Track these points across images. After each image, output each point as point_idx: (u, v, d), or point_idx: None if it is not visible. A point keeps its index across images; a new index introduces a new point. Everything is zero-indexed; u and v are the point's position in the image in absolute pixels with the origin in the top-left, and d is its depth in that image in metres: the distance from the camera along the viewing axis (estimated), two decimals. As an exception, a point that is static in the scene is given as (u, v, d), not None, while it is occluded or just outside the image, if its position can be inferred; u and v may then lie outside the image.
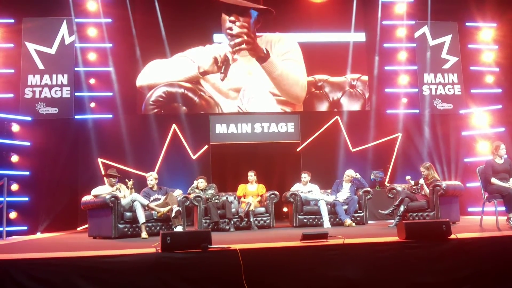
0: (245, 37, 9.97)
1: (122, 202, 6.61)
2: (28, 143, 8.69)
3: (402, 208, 6.89)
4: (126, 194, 6.89)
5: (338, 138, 10.14)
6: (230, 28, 10.00)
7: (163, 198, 6.97)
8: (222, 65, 9.89)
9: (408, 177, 7.47)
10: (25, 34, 9.35)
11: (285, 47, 10.26)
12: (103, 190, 6.86)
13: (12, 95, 9.13)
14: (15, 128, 8.64)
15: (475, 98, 10.12)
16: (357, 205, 7.71)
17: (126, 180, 6.99)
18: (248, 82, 10.07)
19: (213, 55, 9.93)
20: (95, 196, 6.81)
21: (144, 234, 6.34)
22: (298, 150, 10.09)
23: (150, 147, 9.63)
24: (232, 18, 10.00)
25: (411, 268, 4.09)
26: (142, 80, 9.88)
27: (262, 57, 10.08)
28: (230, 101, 10.03)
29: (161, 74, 9.94)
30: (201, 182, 7.80)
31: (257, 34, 10.20)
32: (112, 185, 6.98)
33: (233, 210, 7.53)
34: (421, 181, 7.31)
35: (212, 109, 10.01)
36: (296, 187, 8.07)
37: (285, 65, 10.16)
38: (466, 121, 10.06)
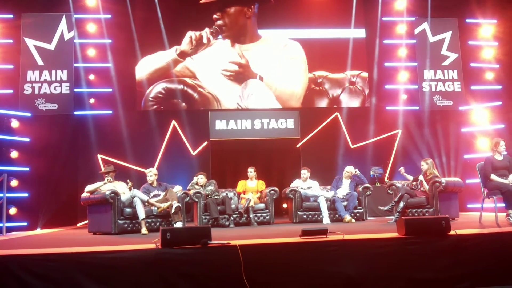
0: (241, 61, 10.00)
1: (122, 198, 6.62)
2: (28, 139, 8.67)
3: (401, 204, 6.90)
4: (125, 190, 6.90)
5: (338, 135, 10.15)
6: (218, 24, 10.02)
7: (162, 194, 6.98)
8: (196, 43, 9.86)
9: (401, 169, 7.46)
10: (24, 29, 9.31)
11: (291, 53, 10.23)
12: (95, 185, 6.88)
13: (11, 91, 9.10)
14: (15, 124, 8.61)
15: (475, 95, 10.11)
16: (357, 201, 7.73)
17: (127, 182, 6.98)
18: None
19: (189, 35, 9.92)
20: (89, 192, 6.82)
21: (144, 230, 6.35)
22: (297, 146, 10.09)
23: (149, 143, 9.63)
24: (217, 16, 9.97)
25: (410, 264, 4.09)
26: (138, 73, 9.87)
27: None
28: (229, 96, 10.00)
29: (150, 64, 9.90)
30: (200, 178, 7.80)
31: (259, 31, 10.18)
32: (109, 181, 6.98)
33: (232, 206, 7.54)
34: (421, 177, 7.31)
35: (211, 105, 10.00)
36: (296, 183, 8.08)
37: (280, 81, 10.10)
38: (466, 117, 10.05)
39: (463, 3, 10.18)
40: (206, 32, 9.91)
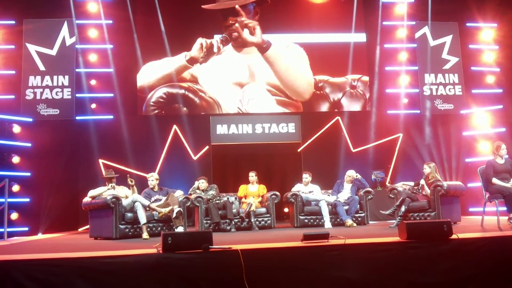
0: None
1: (123, 203, 6.61)
2: (29, 144, 8.69)
3: (403, 208, 6.88)
4: (128, 194, 6.91)
5: (339, 139, 10.14)
6: (231, 31, 10.05)
7: (164, 198, 6.98)
8: (206, 51, 9.89)
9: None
10: (26, 35, 9.35)
11: (294, 53, 10.25)
12: (98, 191, 6.89)
13: (13, 96, 9.13)
14: (16, 129, 8.63)
15: (476, 98, 10.11)
16: (358, 205, 7.71)
17: (128, 179, 6.98)
18: (250, 81, 10.07)
19: (200, 42, 9.95)
20: (92, 197, 6.83)
21: (145, 235, 6.34)
22: (299, 150, 10.09)
23: (151, 148, 9.64)
24: (230, 22, 10.02)
25: (412, 268, 4.08)
26: (140, 80, 9.89)
27: (263, 47, 10.08)
28: (230, 100, 10.01)
29: (155, 70, 9.93)
30: (202, 183, 7.80)
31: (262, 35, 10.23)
32: (113, 187, 6.97)
33: (234, 210, 7.52)
34: (422, 181, 7.31)
35: (212, 110, 10.01)
36: (297, 188, 8.07)
37: (290, 59, 10.13)
38: (467, 121, 10.05)
39: (463, 7, 10.20)
40: (216, 41, 9.94)
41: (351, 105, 10.37)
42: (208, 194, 7.67)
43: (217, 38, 10.00)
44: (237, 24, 9.99)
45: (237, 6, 9.94)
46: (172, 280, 3.79)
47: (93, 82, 9.57)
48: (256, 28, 10.04)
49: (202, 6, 10.01)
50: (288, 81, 10.14)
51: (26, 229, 8.30)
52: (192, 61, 9.94)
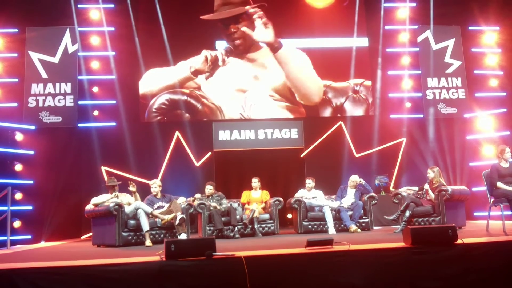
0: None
1: (126, 210, 6.59)
2: (32, 152, 8.70)
3: (407, 214, 6.85)
4: (130, 201, 6.89)
5: (342, 144, 10.11)
6: (234, 39, 10.08)
7: (166, 205, 6.95)
8: (211, 64, 9.90)
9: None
10: (29, 43, 9.40)
11: (302, 56, 10.25)
12: (101, 199, 6.88)
13: (16, 104, 9.17)
14: (19, 137, 8.65)
15: (479, 102, 10.09)
16: (362, 210, 7.67)
17: (130, 185, 6.96)
18: (252, 87, 10.07)
19: (204, 54, 9.96)
20: (95, 205, 6.81)
21: (148, 242, 6.31)
22: (302, 156, 10.06)
23: (153, 154, 9.63)
24: (232, 30, 10.04)
25: (417, 273, 4.04)
26: (142, 87, 9.90)
27: (275, 47, 10.11)
28: (232, 106, 10.01)
29: (158, 80, 9.93)
30: (209, 189, 7.75)
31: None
32: (116, 196, 6.95)
33: (237, 217, 7.50)
34: (426, 186, 7.26)
35: (215, 116, 10.01)
36: (301, 193, 8.03)
37: (301, 61, 10.17)
38: (471, 125, 10.01)
39: (465, 11, 10.20)
40: (221, 53, 9.95)
41: (354, 110, 10.35)
42: (211, 206, 7.57)
43: (221, 50, 10.00)
44: (243, 28, 10.00)
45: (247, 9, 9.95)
46: (175, 288, 3.76)
47: (95, 89, 9.58)
48: (268, 24, 10.04)
49: (201, 17, 10.02)
50: (300, 82, 10.13)
51: (29, 237, 8.30)
52: (197, 73, 9.95)
